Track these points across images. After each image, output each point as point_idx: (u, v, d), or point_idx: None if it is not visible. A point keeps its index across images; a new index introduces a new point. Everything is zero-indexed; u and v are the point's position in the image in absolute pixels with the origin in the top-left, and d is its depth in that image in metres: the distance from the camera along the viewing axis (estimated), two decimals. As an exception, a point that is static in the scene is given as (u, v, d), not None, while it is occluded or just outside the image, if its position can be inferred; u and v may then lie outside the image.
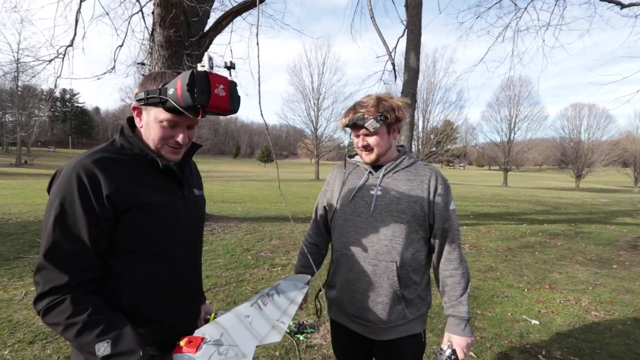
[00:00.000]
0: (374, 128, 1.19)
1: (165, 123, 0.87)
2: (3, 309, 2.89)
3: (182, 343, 0.78)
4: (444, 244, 1.26)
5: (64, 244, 0.77)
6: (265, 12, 7.78)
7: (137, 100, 0.87)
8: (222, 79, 0.84)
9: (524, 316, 3.17)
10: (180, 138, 0.90)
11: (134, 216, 0.84)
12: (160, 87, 0.83)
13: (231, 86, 0.86)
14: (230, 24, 6.63)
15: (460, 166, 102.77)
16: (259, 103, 1.08)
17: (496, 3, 6.64)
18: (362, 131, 1.24)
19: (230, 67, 0.86)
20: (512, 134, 36.86)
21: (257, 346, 0.80)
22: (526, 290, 3.87)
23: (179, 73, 0.85)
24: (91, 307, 0.76)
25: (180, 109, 0.81)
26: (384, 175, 1.27)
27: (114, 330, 0.76)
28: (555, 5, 6.27)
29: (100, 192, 0.79)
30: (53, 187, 0.82)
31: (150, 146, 0.92)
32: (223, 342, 0.79)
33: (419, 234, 1.24)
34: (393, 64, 4.57)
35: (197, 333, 0.81)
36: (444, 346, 1.23)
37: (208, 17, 6.54)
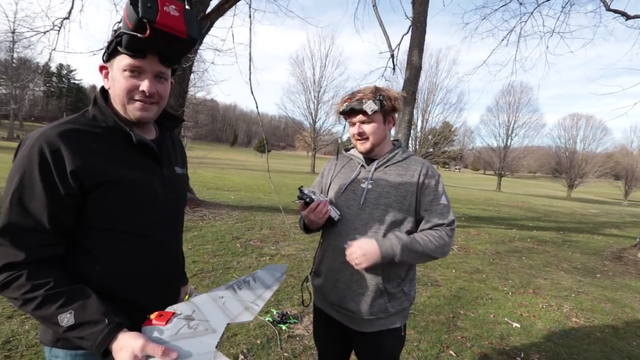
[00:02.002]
0: (371, 110, 1.18)
1: (127, 71, 0.81)
2: (-17, 282, 2.84)
3: (152, 317, 0.76)
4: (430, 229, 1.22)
5: (21, 221, 0.73)
6: (270, -2, 7.62)
7: (104, 59, 0.84)
8: (175, 2, 0.78)
9: (505, 319, 3.21)
10: (145, 86, 0.82)
11: (105, 193, 0.79)
12: (115, 29, 0.79)
13: (186, 11, 0.80)
14: (233, 7, 6.51)
15: (456, 169, 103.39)
16: (250, 80, 1.03)
17: (503, 5, 6.59)
18: (358, 117, 1.23)
19: None
20: (509, 140, 37.03)
21: (228, 324, 0.80)
22: (510, 293, 3.92)
23: None
24: (51, 281, 0.74)
25: (130, 33, 0.75)
26: (375, 168, 1.27)
27: (76, 302, 0.73)
28: (562, 12, 6.24)
29: (63, 167, 0.74)
30: (16, 157, 0.77)
31: (119, 107, 0.86)
32: (194, 318, 0.78)
33: (406, 228, 1.23)
34: (392, 56, 4.52)
35: (169, 309, 0.80)
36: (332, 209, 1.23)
37: (211, -2, 6.40)
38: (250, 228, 5.77)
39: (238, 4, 6.52)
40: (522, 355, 2.58)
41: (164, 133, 0.97)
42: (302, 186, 1.25)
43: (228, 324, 0.80)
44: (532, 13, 6.49)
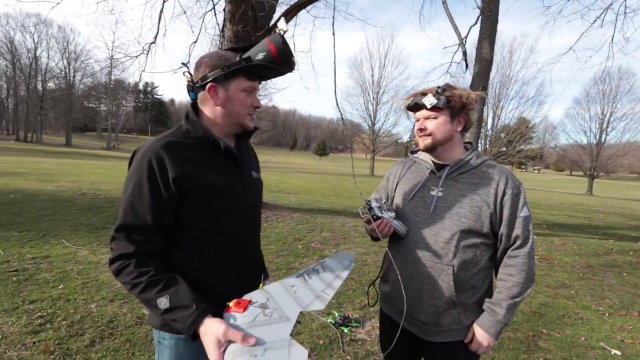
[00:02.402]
0: (430, 104, 1.14)
1: (246, 91, 0.96)
2: (92, 270, 3.39)
3: (231, 304, 0.83)
4: (506, 250, 1.16)
5: (133, 221, 0.88)
6: (329, 4, 7.76)
7: (214, 79, 0.92)
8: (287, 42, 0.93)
9: (601, 343, 2.75)
10: (258, 102, 1.00)
11: (198, 197, 0.91)
12: (239, 58, 0.92)
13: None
14: (295, 17, 6.78)
15: (535, 169, 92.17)
16: (335, 91, 1.10)
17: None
18: (422, 112, 1.20)
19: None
20: (604, 135, 31.58)
21: (300, 312, 0.83)
22: (607, 314, 3.36)
23: (235, 49, 0.95)
24: (153, 269, 0.86)
25: (277, 67, 0.91)
26: (447, 175, 1.20)
27: (171, 288, 0.84)
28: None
29: (167, 175, 0.87)
30: (131, 166, 0.92)
31: (230, 120, 0.99)
32: (268, 306, 0.83)
33: (480, 239, 1.15)
34: (464, 52, 4.19)
35: (246, 297, 0.86)
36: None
37: (274, 11, 6.76)
38: (311, 230, 5.90)
39: (298, 13, 6.78)
40: (625, 389, 2.18)
41: (241, 142, 1.08)
42: (369, 200, 1.22)
43: (300, 312, 0.83)
44: (632, -14, 5.50)
